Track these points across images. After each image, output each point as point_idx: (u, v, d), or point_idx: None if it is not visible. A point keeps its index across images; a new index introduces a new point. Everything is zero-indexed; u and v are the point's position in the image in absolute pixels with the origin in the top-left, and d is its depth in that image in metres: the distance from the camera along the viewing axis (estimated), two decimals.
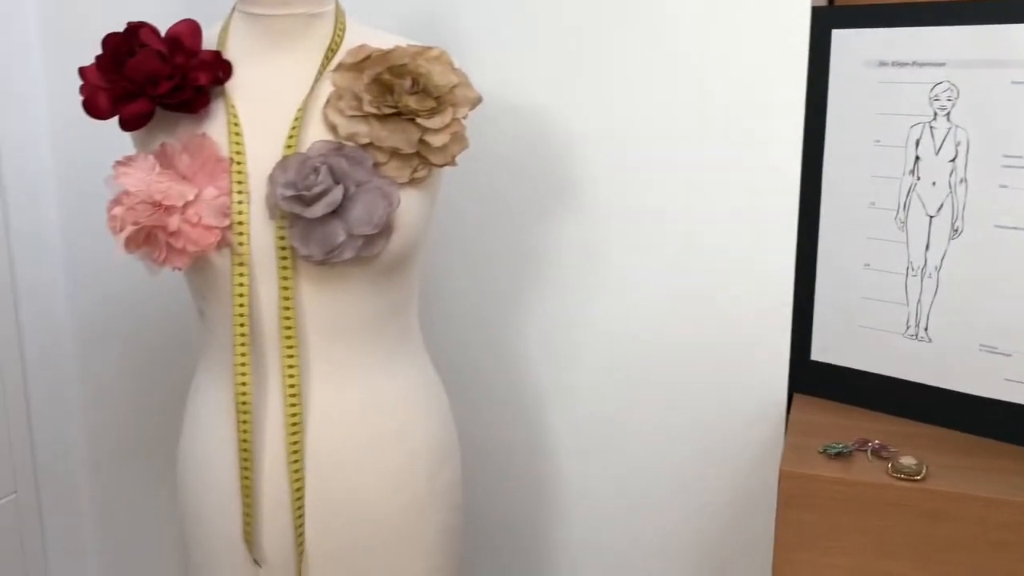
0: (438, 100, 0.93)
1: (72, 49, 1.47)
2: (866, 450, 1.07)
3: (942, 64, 1.07)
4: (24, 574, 1.53)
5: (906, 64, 1.10)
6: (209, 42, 0.96)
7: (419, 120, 0.92)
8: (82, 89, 0.92)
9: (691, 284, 1.27)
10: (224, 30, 0.98)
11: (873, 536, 1.01)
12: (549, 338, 1.34)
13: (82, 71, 0.92)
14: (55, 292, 1.56)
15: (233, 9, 0.99)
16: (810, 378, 1.24)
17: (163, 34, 0.93)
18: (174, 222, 0.87)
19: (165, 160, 0.91)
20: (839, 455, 1.06)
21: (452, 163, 0.95)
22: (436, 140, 0.92)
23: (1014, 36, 1.02)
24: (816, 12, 1.15)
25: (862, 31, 1.12)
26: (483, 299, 1.36)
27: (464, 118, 0.95)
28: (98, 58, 0.91)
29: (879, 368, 1.17)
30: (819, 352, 1.22)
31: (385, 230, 0.91)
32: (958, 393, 1.11)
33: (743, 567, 1.30)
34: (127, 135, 0.99)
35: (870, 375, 1.18)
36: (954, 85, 1.07)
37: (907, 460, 1.01)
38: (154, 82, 0.90)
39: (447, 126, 0.93)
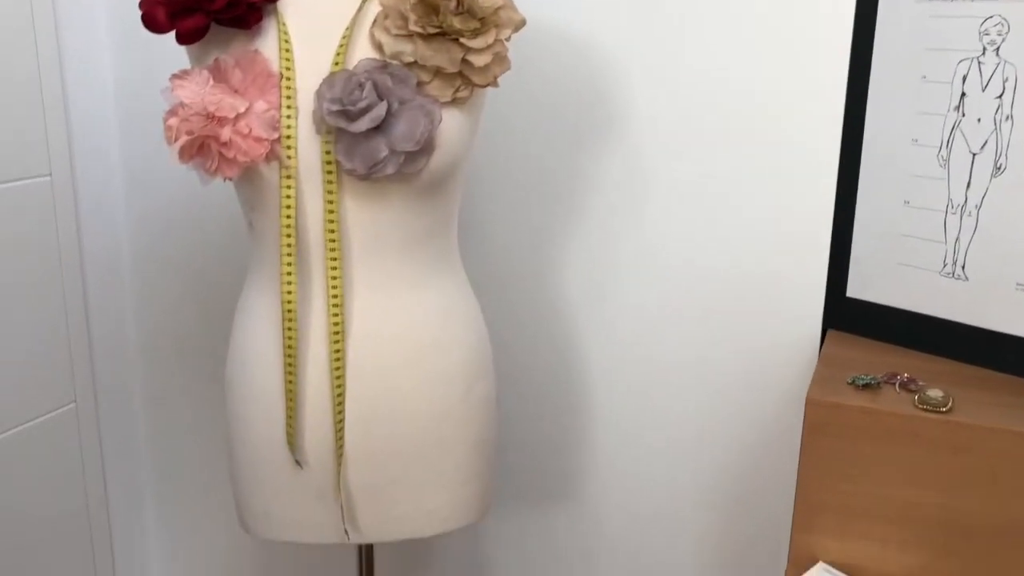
0: (482, 21, 0.95)
1: None
2: (894, 383, 1.08)
3: None
4: (83, 478, 1.62)
5: None
6: None
7: (463, 40, 0.94)
8: (141, 4, 0.96)
9: (730, 218, 1.28)
10: None
11: (896, 465, 1.03)
12: (587, 268, 1.36)
13: None
14: (115, 207, 1.62)
15: None
16: (845, 315, 1.25)
17: None
18: (226, 133, 0.91)
19: (218, 74, 0.95)
20: (867, 386, 1.07)
21: (494, 84, 0.97)
22: (479, 60, 0.94)
23: None
24: None
25: None
26: (522, 227, 1.39)
27: (507, 40, 0.97)
28: None
29: (914, 306, 1.18)
30: (855, 289, 1.23)
31: (426, 147, 0.94)
32: (992, 332, 1.12)
33: (771, 496, 1.33)
34: (183, 56, 1.03)
35: (904, 312, 1.19)
36: (1005, 19, 1.06)
37: (934, 392, 1.02)
38: None
39: (490, 47, 0.95)
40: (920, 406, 1.02)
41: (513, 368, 1.44)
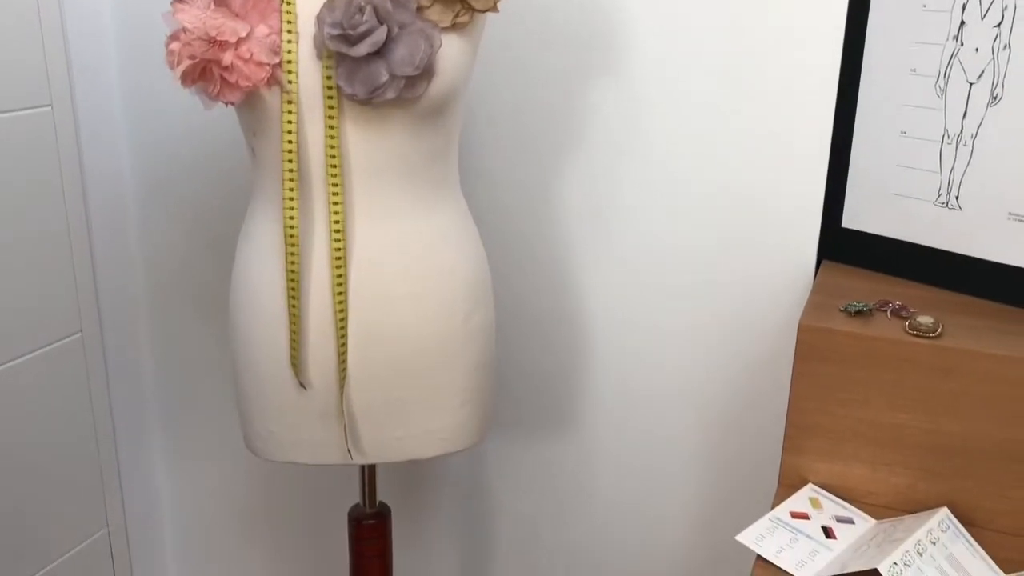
0: None
1: None
2: (886, 310, 1.10)
3: None
4: (90, 406, 1.65)
5: None
6: None
7: None
8: None
9: (727, 148, 1.29)
10: None
11: (886, 389, 1.05)
12: (587, 195, 1.37)
13: None
14: (117, 136, 1.62)
15: None
16: (839, 245, 1.26)
17: None
18: (227, 57, 0.92)
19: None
20: (859, 313, 1.09)
21: (494, 9, 0.97)
22: None
23: None
24: None
25: None
26: (521, 154, 1.39)
27: None
28: None
29: (908, 236, 1.19)
30: (850, 219, 1.25)
31: (426, 72, 0.95)
32: (984, 260, 1.13)
33: (764, 419, 1.36)
34: None
35: (898, 242, 1.20)
36: None
37: (924, 319, 1.04)
38: None
39: None
40: (910, 332, 1.04)
41: (512, 294, 1.46)
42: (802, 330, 1.07)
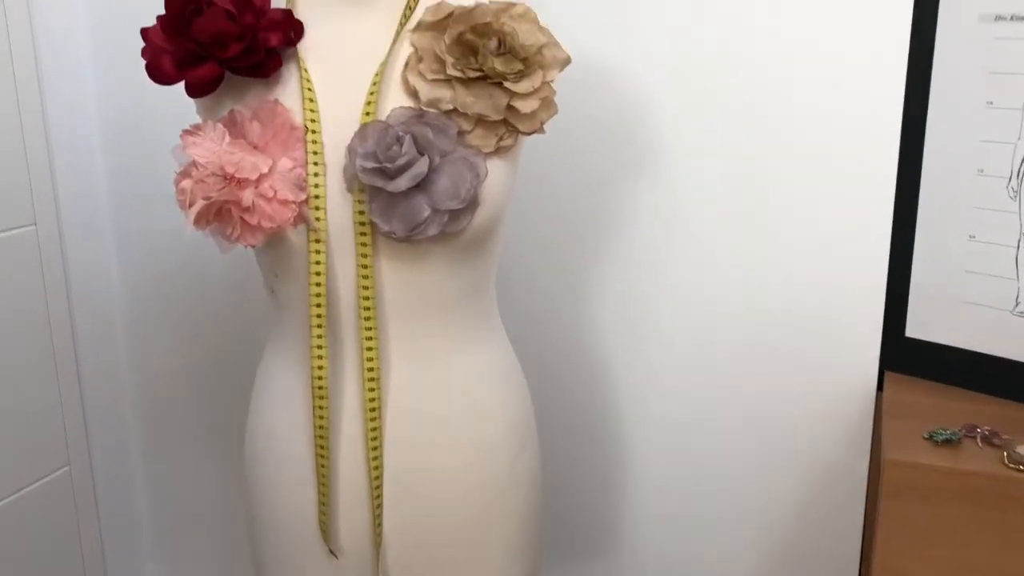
0: (525, 62, 0.86)
1: (118, 14, 1.41)
2: (975, 436, 1.00)
3: None
4: (79, 545, 1.51)
5: None
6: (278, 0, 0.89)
7: (507, 84, 0.84)
8: (144, 52, 0.86)
9: (777, 255, 1.19)
10: None
11: (985, 530, 0.94)
12: (624, 315, 1.28)
13: (144, 32, 0.85)
14: (106, 263, 1.52)
15: None
16: (904, 356, 1.16)
17: None
18: (248, 196, 0.81)
19: (235, 129, 0.85)
20: (947, 442, 0.99)
21: (540, 130, 0.88)
22: (525, 106, 0.85)
23: None
24: None
25: None
26: (552, 273, 1.30)
27: (552, 81, 0.87)
28: (161, 18, 0.85)
29: (983, 347, 1.10)
30: (915, 328, 1.15)
31: (471, 204, 0.85)
32: None
33: (832, 552, 1.25)
34: (172, 99, 0.92)
35: (971, 353, 1.11)
36: None
37: None
38: (222, 44, 0.83)
39: (536, 90, 0.86)
40: (1011, 465, 0.94)
41: (549, 426, 1.34)
42: (889, 466, 0.96)
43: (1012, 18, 1.01)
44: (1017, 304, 1.06)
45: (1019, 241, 1.05)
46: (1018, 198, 1.04)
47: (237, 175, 0.81)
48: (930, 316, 1.14)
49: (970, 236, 1.09)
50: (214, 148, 0.83)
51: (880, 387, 1.18)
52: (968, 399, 1.10)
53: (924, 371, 1.15)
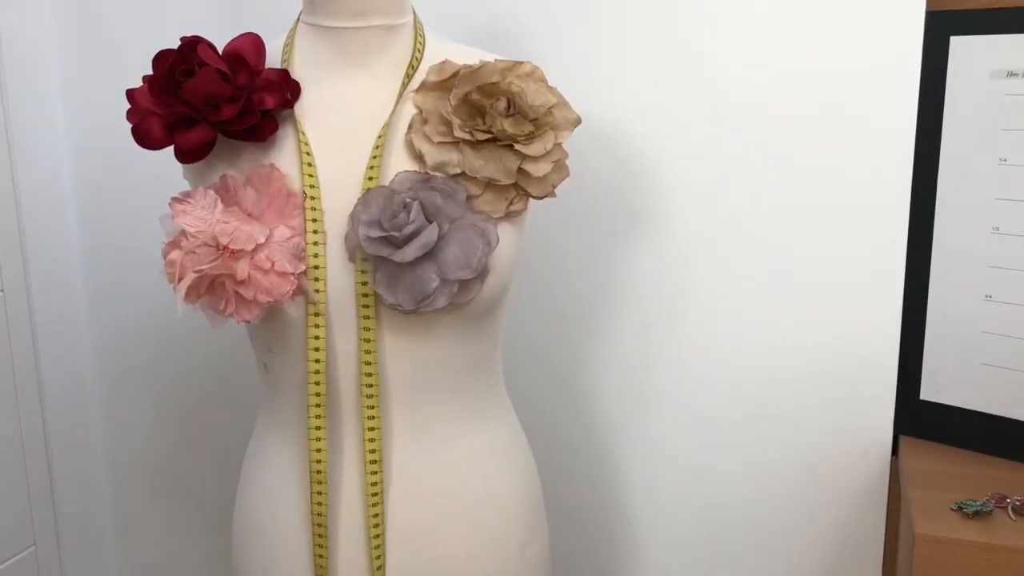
0: (535, 123, 0.81)
1: (92, 59, 1.35)
2: (1005, 506, 0.95)
3: None
4: None
5: None
6: (272, 58, 0.85)
7: (517, 146, 0.80)
8: (130, 115, 0.80)
9: (785, 317, 1.15)
10: (288, 45, 0.86)
11: None
12: (628, 380, 1.22)
13: (131, 94, 0.80)
14: (77, 333, 1.44)
15: (297, 21, 0.87)
16: (920, 420, 1.12)
17: (220, 50, 0.81)
18: (243, 268, 0.75)
19: (227, 196, 0.79)
20: (977, 514, 0.94)
21: (552, 194, 0.83)
22: (537, 169, 0.81)
23: None
24: (932, 17, 1.04)
25: (986, 37, 1.01)
26: (553, 338, 1.25)
27: (563, 143, 0.83)
28: (149, 79, 0.80)
29: (1001, 410, 1.06)
30: (930, 392, 1.11)
31: (482, 273, 0.79)
32: None
33: None
34: (145, 151, 0.86)
35: (991, 417, 1.07)
36: None
37: None
38: (215, 106, 0.78)
39: (548, 153, 0.81)
40: None
41: (555, 498, 1.28)
42: (920, 542, 0.91)
43: (1023, 74, 0.99)
44: None
45: None
46: None
47: (231, 246, 0.76)
48: (945, 378, 1.10)
49: (986, 296, 1.05)
50: (206, 217, 0.77)
51: (895, 451, 1.14)
52: (988, 464, 1.05)
53: (940, 435, 1.11)
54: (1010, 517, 0.94)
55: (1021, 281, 1.03)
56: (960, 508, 0.95)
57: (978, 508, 0.94)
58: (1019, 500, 0.95)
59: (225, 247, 0.76)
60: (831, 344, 1.14)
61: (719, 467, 1.20)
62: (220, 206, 0.78)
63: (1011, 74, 1.00)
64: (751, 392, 1.18)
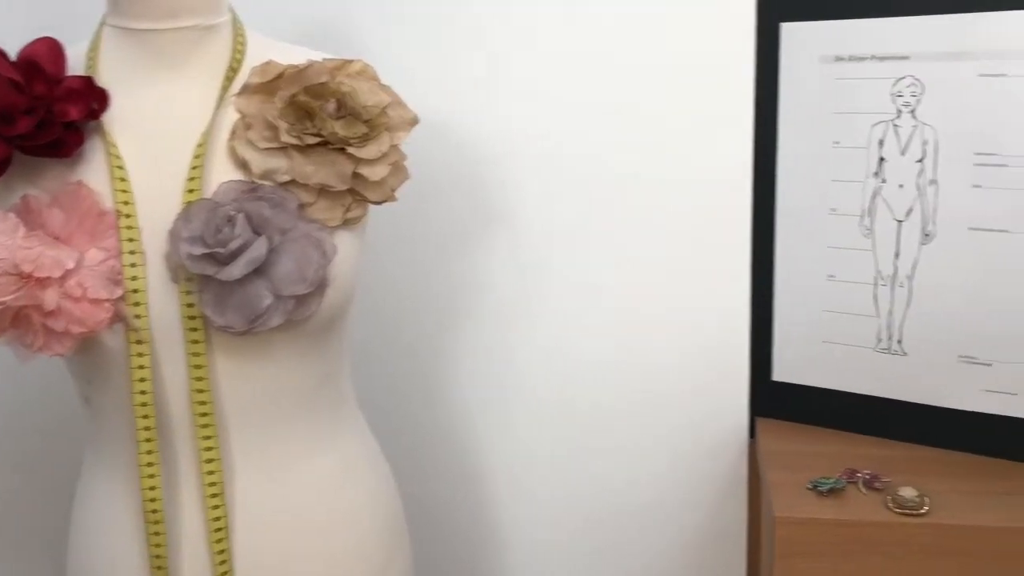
0: (369, 124, 0.77)
1: None
2: (856, 481, 0.98)
3: (905, 58, 0.99)
4: None
5: (865, 58, 1.01)
6: (75, 65, 0.77)
7: (350, 150, 0.76)
8: None
9: (637, 306, 1.15)
10: (93, 49, 0.79)
11: None
12: (487, 376, 1.20)
13: None
14: None
15: (102, 23, 0.80)
16: (773, 400, 1.14)
17: (13, 57, 0.73)
18: (51, 298, 0.68)
19: (30, 218, 0.72)
20: (832, 491, 0.96)
21: (392, 198, 0.79)
22: (373, 173, 0.77)
23: (981, 25, 0.95)
24: (762, 4, 1.05)
25: (814, 23, 1.03)
26: (410, 341, 1.21)
27: (400, 144, 0.80)
28: None
29: (849, 386, 1.09)
30: (781, 372, 1.13)
31: (319, 286, 0.75)
32: (939, 408, 1.04)
33: None
34: None
35: (840, 393, 1.10)
36: (918, 80, 0.99)
37: (907, 492, 0.93)
38: (9, 118, 0.70)
39: (384, 155, 0.77)
40: (895, 509, 0.92)
41: (418, 504, 1.24)
42: (781, 524, 0.92)
43: (850, 59, 1.01)
44: (879, 341, 1.06)
45: (875, 278, 1.05)
46: (871, 235, 1.04)
47: (36, 274, 0.68)
48: (795, 359, 1.12)
49: (828, 276, 1.08)
50: (6, 243, 0.70)
51: (752, 434, 1.15)
52: (842, 440, 1.08)
53: (794, 414, 1.13)
54: (861, 491, 0.96)
55: (855, 259, 1.06)
56: (815, 487, 0.97)
57: (832, 485, 0.96)
58: (868, 474, 0.98)
59: (29, 275, 0.68)
60: (684, 332, 1.15)
61: (580, 463, 1.20)
62: (22, 230, 0.71)
63: (839, 58, 1.02)
64: (609, 386, 1.17)
